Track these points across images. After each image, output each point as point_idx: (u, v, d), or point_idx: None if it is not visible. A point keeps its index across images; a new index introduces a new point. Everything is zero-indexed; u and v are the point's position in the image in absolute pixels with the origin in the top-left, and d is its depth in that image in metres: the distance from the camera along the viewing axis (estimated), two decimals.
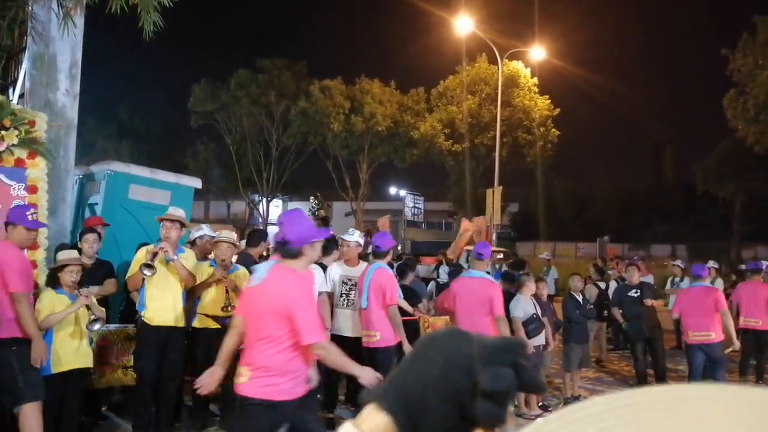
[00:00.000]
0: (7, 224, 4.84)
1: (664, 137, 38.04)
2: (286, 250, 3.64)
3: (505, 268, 10.26)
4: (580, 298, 8.08)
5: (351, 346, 6.37)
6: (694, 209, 34.96)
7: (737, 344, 7.89)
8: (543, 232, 37.69)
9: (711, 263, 12.75)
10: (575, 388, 7.95)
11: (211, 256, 6.25)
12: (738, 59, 22.81)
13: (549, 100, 30.45)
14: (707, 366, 7.54)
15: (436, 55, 44.59)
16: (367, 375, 3.59)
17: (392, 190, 45.78)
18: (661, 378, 8.79)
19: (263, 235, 7.73)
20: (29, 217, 4.85)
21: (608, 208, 39.53)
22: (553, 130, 30.65)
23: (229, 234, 6.55)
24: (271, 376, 3.51)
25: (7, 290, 4.58)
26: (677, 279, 12.63)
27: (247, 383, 3.56)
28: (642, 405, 0.48)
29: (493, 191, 20.92)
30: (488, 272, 6.69)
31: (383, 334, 5.92)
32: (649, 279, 10.36)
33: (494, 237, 20.39)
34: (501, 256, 14.17)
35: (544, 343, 7.05)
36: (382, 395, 0.69)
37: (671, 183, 40.04)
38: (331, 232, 7.50)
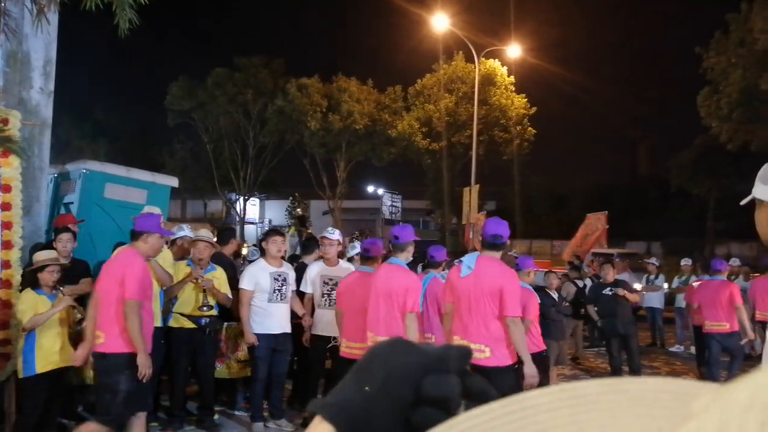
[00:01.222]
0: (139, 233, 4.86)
1: (639, 134, 38.52)
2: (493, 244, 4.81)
3: None
4: (555, 296, 8.16)
5: (336, 346, 6.39)
6: (669, 206, 35.43)
7: (751, 335, 8.26)
8: (519, 229, 37.95)
9: (684, 261, 12.96)
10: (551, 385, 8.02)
11: (190, 255, 6.24)
12: (711, 57, 23.12)
13: (525, 99, 30.67)
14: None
15: (413, 53, 44.60)
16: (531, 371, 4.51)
17: (370, 189, 45.78)
18: (635, 373, 8.91)
19: (232, 233, 7.74)
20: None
21: (584, 205, 39.90)
22: (530, 128, 30.88)
23: (207, 233, 6.53)
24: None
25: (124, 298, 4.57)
26: (652, 276, 12.80)
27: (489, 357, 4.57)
28: (545, 405, 0.48)
29: (470, 189, 21.03)
30: None
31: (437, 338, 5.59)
32: (625, 277, 10.48)
33: (471, 236, 20.50)
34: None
35: None
36: (325, 407, 0.68)
37: (646, 180, 40.51)
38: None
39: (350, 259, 7.21)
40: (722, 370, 8.60)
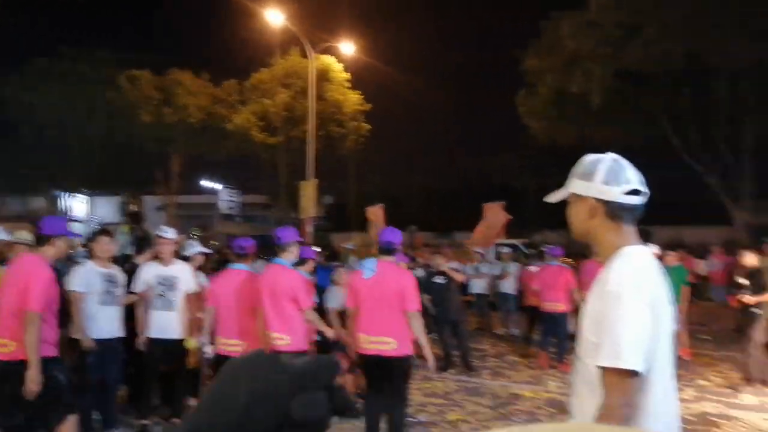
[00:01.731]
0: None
1: (465, 132, 40.78)
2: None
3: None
4: None
5: (173, 350, 6.28)
6: (493, 199, 37.83)
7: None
8: (355, 224, 38.83)
9: (506, 249, 14.02)
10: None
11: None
12: (528, 60, 24.91)
13: (360, 95, 31.32)
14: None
15: (248, 48, 43.91)
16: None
17: (206, 184, 44.51)
18: (465, 356, 9.55)
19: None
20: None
21: (417, 199, 41.64)
22: (364, 124, 31.60)
23: (27, 235, 6.14)
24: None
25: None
26: (479, 264, 13.73)
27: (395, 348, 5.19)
28: None
29: (308, 184, 21.18)
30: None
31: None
32: (455, 265, 11.16)
33: (309, 229, 20.68)
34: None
35: None
36: None
37: (472, 175, 43.04)
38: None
39: (186, 258, 7.08)
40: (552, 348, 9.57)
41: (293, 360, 0.68)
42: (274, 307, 5.49)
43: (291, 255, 5.71)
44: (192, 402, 6.44)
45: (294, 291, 5.50)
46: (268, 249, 7.67)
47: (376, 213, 16.61)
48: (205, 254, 7.89)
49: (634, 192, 2.11)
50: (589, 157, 2.21)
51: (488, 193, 37.55)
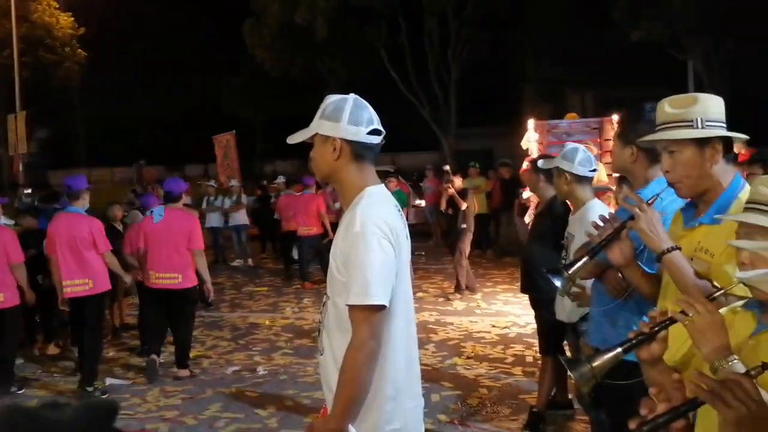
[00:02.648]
0: None
1: (191, 62, 38.96)
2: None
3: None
4: (120, 228, 8.09)
5: None
6: (222, 129, 36.99)
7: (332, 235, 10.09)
8: (79, 158, 35.54)
9: (234, 181, 13.97)
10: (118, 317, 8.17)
11: None
12: None
13: (72, 18, 28.11)
14: None
15: None
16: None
17: None
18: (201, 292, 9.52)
19: None
20: None
21: (143, 130, 39.23)
22: (79, 50, 28.54)
23: None
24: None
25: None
26: (212, 198, 13.55)
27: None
28: None
29: (16, 117, 18.76)
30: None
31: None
32: (188, 201, 10.86)
33: (20, 168, 18.50)
34: None
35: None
36: None
37: (201, 105, 41.61)
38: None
39: None
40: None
41: (57, 413, 0.59)
42: (73, 254, 5.85)
43: (84, 202, 6.06)
44: None
45: (92, 236, 5.90)
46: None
47: (227, 140, 15.25)
48: None
49: (376, 132, 2.23)
50: (333, 98, 2.25)
51: (217, 124, 36.73)
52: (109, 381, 6.25)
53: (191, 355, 6.94)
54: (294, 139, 2.31)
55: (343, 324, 2.14)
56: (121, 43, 34.15)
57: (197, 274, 6.39)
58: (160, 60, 36.46)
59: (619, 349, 1.62)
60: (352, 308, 2.09)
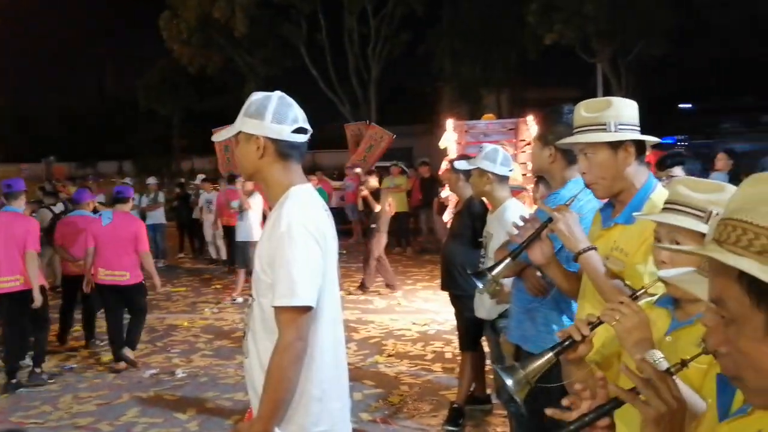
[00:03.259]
0: None
1: (105, 54, 37.56)
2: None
3: None
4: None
5: None
6: (138, 126, 35.91)
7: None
8: None
9: (151, 179, 13.62)
10: None
11: None
12: None
13: None
14: None
15: None
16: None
17: None
18: None
19: None
20: None
21: (53, 125, 37.51)
22: None
23: None
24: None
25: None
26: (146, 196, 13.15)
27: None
28: None
29: None
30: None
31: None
32: (101, 198, 10.48)
33: None
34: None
35: None
36: None
37: (115, 100, 40.15)
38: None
39: None
40: None
41: None
42: (7, 252, 5.96)
43: (21, 202, 6.34)
44: None
45: (26, 236, 6.05)
46: None
47: (372, 132, 13.56)
48: None
49: (301, 130, 2.22)
50: (257, 96, 2.22)
51: (134, 118, 35.58)
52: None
53: (105, 359, 6.74)
54: (219, 137, 2.30)
55: (269, 326, 2.12)
56: (30, 34, 32.59)
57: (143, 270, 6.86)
58: (72, 52, 34.99)
59: (551, 354, 1.65)
60: (278, 309, 2.06)
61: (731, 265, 0.85)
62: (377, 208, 9.59)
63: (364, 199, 9.71)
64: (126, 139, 36.06)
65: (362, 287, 9.78)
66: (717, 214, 1.58)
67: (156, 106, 31.70)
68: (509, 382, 1.64)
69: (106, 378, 6.31)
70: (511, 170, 4.15)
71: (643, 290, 1.74)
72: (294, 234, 2.07)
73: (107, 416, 5.30)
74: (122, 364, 6.47)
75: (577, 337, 1.63)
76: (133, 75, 33.62)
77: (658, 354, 1.47)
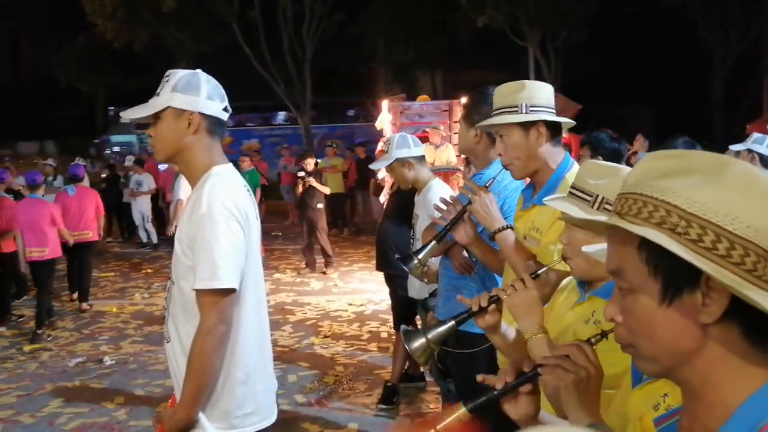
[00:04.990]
0: None
1: (19, 28, 35.65)
2: None
3: None
4: None
5: None
6: (59, 104, 34.35)
7: None
8: None
9: (79, 160, 13.11)
10: None
11: None
12: None
13: None
14: None
15: None
16: None
17: None
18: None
19: None
20: None
21: None
22: None
23: None
24: None
25: None
26: (50, 178, 12.60)
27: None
28: None
29: None
30: None
31: None
32: (21, 180, 10.03)
33: None
34: None
35: None
36: None
37: (32, 77, 38.31)
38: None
39: None
40: None
41: None
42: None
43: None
44: None
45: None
46: None
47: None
48: None
49: (226, 109, 2.19)
50: (181, 72, 2.15)
51: (54, 97, 34.03)
52: None
53: (27, 348, 6.50)
54: (137, 113, 2.14)
55: (190, 309, 2.06)
56: None
57: None
58: None
59: (452, 322, 1.74)
60: (199, 293, 2.01)
61: (634, 235, 0.88)
62: (327, 190, 9.68)
63: (310, 186, 9.53)
64: (47, 118, 34.47)
65: (310, 266, 9.71)
66: (604, 199, 1.66)
67: (78, 83, 30.34)
68: (413, 346, 1.71)
69: (27, 368, 6.06)
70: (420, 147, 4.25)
71: (545, 268, 1.83)
72: (215, 215, 2.01)
73: (28, 408, 5.09)
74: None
75: (475, 308, 1.72)
76: (52, 50, 31.91)
77: (542, 333, 1.70)
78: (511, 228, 2.36)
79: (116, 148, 30.10)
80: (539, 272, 1.81)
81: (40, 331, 6.82)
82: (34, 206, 7.29)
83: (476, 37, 22.29)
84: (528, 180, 2.50)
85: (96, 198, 8.45)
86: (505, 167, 2.42)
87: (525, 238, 2.34)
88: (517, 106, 2.30)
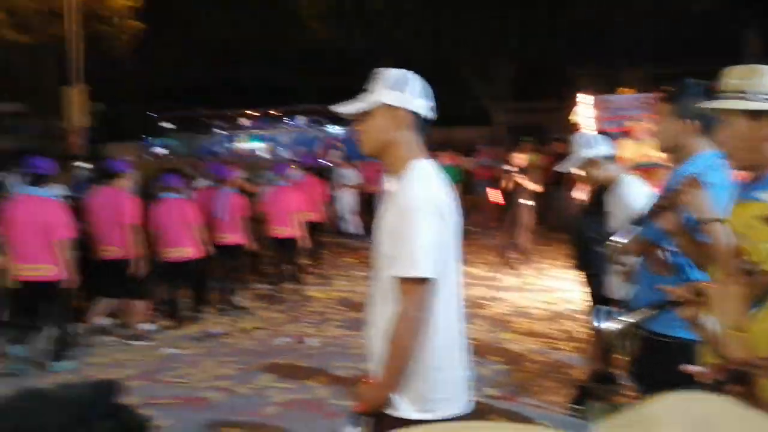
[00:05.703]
0: None
1: (238, 37, 38.78)
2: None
3: None
4: None
5: None
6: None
7: None
8: (130, 130, 36.12)
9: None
10: None
11: None
12: None
13: None
14: None
15: None
16: None
17: None
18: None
19: None
20: None
21: None
22: (133, 22, 28.76)
23: None
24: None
25: None
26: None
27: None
28: None
29: (73, 90, 19.32)
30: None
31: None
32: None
33: (79, 141, 19.10)
34: None
35: None
36: None
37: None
38: None
39: None
40: None
41: (63, 390, 0.63)
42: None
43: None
44: None
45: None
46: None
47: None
48: None
49: (433, 109, 2.29)
50: (393, 71, 2.26)
51: None
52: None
53: (245, 326, 7.18)
54: (349, 108, 2.25)
55: (389, 296, 2.18)
56: (182, 16, 33.84)
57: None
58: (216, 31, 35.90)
59: (648, 308, 1.78)
60: (399, 280, 2.13)
61: None
62: (538, 188, 9.85)
63: (516, 182, 9.69)
64: None
65: (506, 261, 9.91)
66: None
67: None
68: (604, 326, 1.77)
69: (244, 345, 6.71)
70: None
71: (756, 268, 1.73)
72: (416, 208, 2.12)
73: (244, 380, 5.61)
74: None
75: (673, 298, 1.68)
76: None
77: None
78: (721, 221, 2.27)
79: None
80: (749, 269, 1.70)
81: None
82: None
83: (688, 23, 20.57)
84: (740, 175, 2.36)
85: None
86: (724, 157, 2.31)
87: (739, 234, 2.18)
88: (745, 93, 2.13)
